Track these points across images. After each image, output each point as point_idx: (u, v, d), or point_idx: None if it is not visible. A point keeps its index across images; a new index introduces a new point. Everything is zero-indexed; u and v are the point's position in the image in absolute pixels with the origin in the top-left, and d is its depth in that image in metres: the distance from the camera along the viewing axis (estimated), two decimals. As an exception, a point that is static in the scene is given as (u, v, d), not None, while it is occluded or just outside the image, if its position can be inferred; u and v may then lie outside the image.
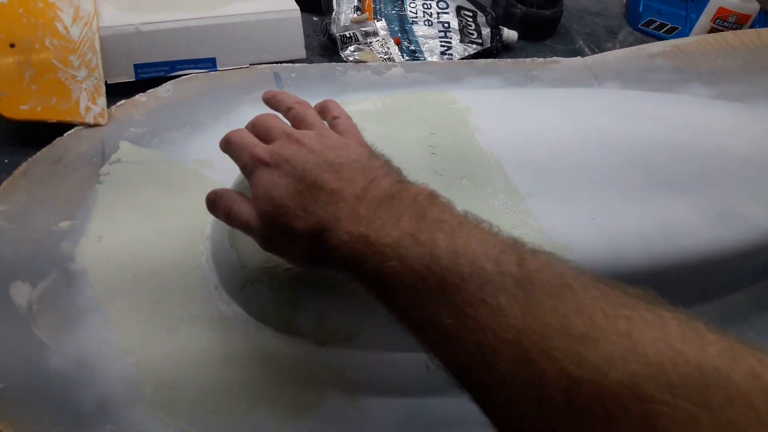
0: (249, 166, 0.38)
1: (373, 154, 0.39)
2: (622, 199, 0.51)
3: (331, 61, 0.74)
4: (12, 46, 0.57)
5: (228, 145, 0.41)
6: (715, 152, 0.58)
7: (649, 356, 0.25)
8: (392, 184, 0.36)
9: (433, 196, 0.35)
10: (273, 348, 0.45)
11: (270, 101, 0.45)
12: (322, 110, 0.44)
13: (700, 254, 0.51)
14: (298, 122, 0.41)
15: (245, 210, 0.39)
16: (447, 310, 0.30)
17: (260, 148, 0.38)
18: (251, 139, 0.40)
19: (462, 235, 0.32)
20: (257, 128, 0.41)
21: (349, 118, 0.43)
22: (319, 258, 0.36)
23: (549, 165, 0.52)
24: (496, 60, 0.76)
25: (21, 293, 0.46)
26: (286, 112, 0.43)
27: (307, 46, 0.73)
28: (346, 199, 0.35)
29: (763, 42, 0.81)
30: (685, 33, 0.90)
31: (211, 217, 0.52)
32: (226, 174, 0.53)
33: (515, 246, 0.32)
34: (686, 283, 0.53)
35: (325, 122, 0.43)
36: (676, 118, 0.62)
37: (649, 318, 0.27)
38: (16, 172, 0.54)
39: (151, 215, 0.52)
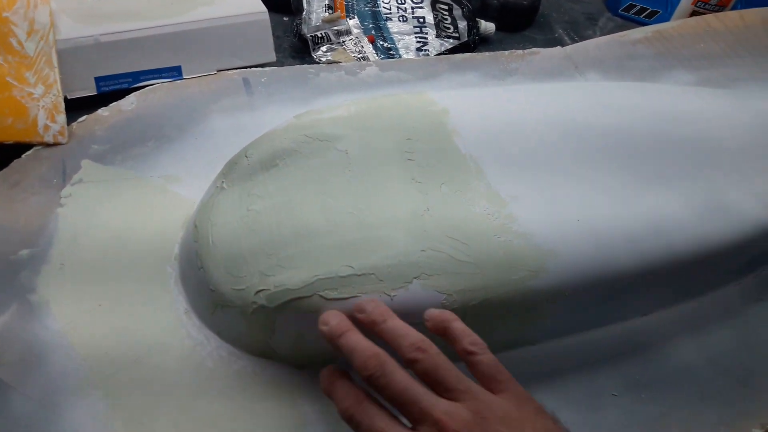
0: None
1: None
2: (607, 197, 0.49)
3: (302, 62, 0.71)
4: (-38, 65, 0.55)
5: None
6: (701, 142, 0.56)
7: None
8: None
9: None
10: (248, 373, 0.43)
11: (372, 328, 0.34)
12: (443, 333, 0.34)
13: (690, 250, 0.49)
14: (432, 384, 0.32)
15: None
16: None
17: None
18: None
19: None
20: (386, 391, 0.31)
21: (485, 346, 0.33)
22: None
23: (531, 165, 0.50)
24: (473, 54, 0.73)
25: (-22, 330, 0.43)
26: (410, 364, 0.32)
27: (278, 49, 0.70)
28: None
29: (746, 24, 0.79)
30: (666, 17, 0.88)
31: (179, 237, 0.50)
32: (196, 189, 0.51)
33: None
34: (676, 280, 0.51)
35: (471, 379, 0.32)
36: (660, 108, 0.60)
37: None
38: (-28, 199, 0.51)
39: (116, 237, 0.49)
